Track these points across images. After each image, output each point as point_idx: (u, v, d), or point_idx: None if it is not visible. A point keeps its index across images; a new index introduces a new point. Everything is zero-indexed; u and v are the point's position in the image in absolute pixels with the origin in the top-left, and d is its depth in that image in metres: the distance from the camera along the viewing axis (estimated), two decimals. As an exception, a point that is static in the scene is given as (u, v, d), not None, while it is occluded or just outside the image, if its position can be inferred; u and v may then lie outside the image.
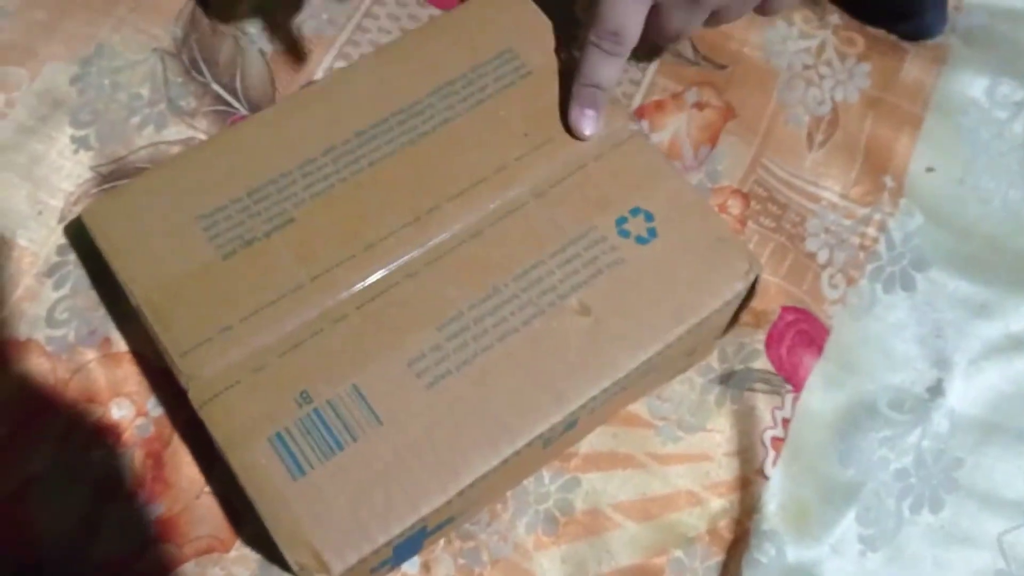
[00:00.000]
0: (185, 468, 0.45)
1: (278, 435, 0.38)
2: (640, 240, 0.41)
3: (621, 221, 0.42)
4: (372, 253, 0.41)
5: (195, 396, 0.38)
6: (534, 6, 0.47)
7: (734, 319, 0.44)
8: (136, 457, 0.45)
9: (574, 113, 0.43)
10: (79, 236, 0.47)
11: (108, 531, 0.44)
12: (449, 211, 0.42)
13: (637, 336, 0.40)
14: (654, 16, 0.43)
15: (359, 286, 0.40)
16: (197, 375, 0.39)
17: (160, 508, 0.44)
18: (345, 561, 0.36)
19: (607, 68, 0.43)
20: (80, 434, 0.45)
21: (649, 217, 0.42)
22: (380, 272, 0.41)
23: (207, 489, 0.45)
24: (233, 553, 0.44)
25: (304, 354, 0.39)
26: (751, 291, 0.41)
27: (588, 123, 0.43)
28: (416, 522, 0.37)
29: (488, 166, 0.43)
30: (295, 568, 0.36)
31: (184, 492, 0.45)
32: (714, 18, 0.45)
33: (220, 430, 0.38)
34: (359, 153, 0.43)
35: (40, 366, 0.46)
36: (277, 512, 0.36)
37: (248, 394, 0.38)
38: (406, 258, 0.41)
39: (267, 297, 0.40)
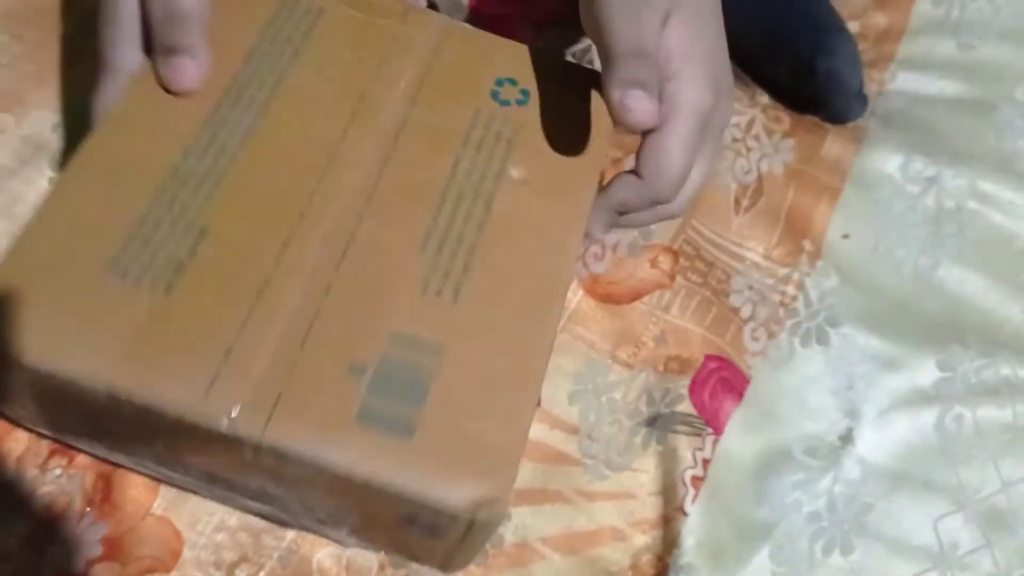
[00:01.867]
0: (132, 490, 0.47)
1: (361, 413, 0.35)
2: (520, 102, 0.44)
3: (495, 95, 0.44)
4: (309, 219, 0.39)
5: (247, 432, 0.34)
6: None
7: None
8: (88, 478, 0.47)
9: (597, 229, 0.44)
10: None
11: (55, 549, 0.46)
12: (348, 152, 0.42)
13: (576, 170, 0.43)
14: None
15: (320, 252, 0.39)
16: (233, 409, 0.34)
17: (106, 528, 0.47)
18: (507, 482, 0.34)
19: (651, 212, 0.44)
20: (38, 456, 0.48)
21: (513, 82, 0.45)
22: (328, 230, 0.39)
23: (153, 511, 0.47)
24: (174, 574, 0.46)
25: (321, 334, 0.36)
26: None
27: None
28: (535, 398, 0.37)
29: (349, 100, 0.43)
30: (478, 517, 0.34)
31: (130, 514, 0.47)
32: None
33: (301, 444, 0.34)
34: (220, 141, 0.40)
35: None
36: (418, 478, 0.34)
37: (300, 397, 0.35)
38: (344, 206, 0.40)
39: (242, 306, 0.36)
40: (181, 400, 0.34)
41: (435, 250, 0.39)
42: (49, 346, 0.34)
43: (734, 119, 0.58)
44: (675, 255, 0.54)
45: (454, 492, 0.34)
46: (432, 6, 0.54)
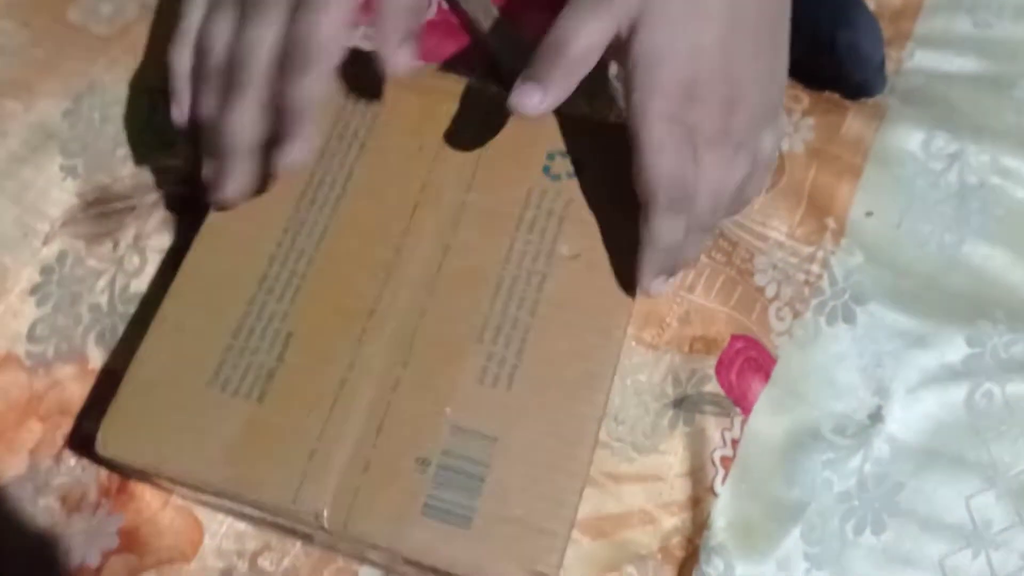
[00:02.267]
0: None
1: (427, 505, 0.39)
2: (570, 175, 0.45)
3: (546, 170, 0.45)
4: (378, 316, 0.42)
5: (334, 526, 0.39)
6: None
7: None
8: (103, 469, 0.46)
9: (648, 280, 0.44)
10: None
11: (72, 541, 0.45)
12: (412, 245, 0.44)
13: (625, 240, 0.44)
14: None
15: (389, 349, 0.41)
16: (318, 509, 0.39)
17: (122, 519, 0.46)
18: (556, 561, 0.38)
19: (677, 225, 0.43)
20: (53, 446, 0.47)
21: (564, 155, 0.46)
22: (396, 327, 0.42)
23: (171, 501, 0.46)
24: (194, 565, 0.45)
25: (391, 429, 0.40)
26: None
27: (664, 286, 0.44)
28: (583, 480, 0.40)
29: (412, 191, 0.45)
30: None
31: (148, 504, 0.46)
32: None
33: (379, 536, 0.39)
34: (299, 246, 0.43)
35: (18, 379, 0.47)
36: (478, 563, 0.38)
37: (375, 492, 0.39)
38: (408, 300, 0.42)
39: (324, 407, 0.40)
40: (275, 500, 0.39)
41: (492, 338, 0.42)
42: (163, 454, 0.40)
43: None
44: (697, 234, 0.53)
45: (509, 573, 0.38)
46: (463, 13, 0.54)
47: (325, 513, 0.38)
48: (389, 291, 0.43)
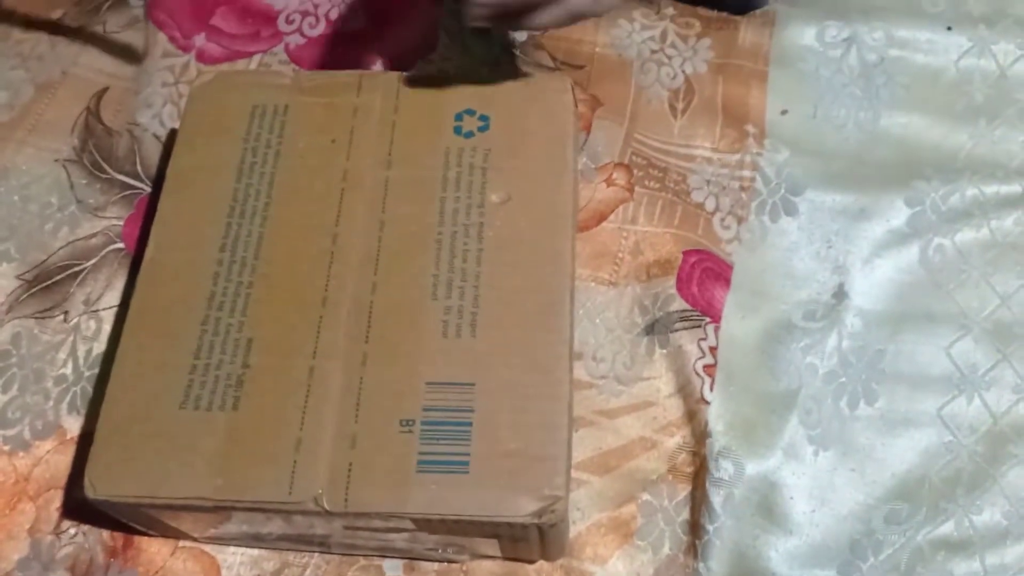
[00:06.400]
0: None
1: (420, 463, 0.39)
2: (482, 129, 0.47)
3: (457, 130, 0.47)
4: (331, 302, 0.43)
5: (334, 506, 0.38)
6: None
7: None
8: (104, 531, 0.46)
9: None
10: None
11: (90, 610, 0.44)
12: (346, 230, 0.44)
13: (550, 175, 0.46)
14: None
15: (348, 329, 0.42)
16: (315, 493, 0.39)
17: (136, 574, 0.45)
18: (562, 482, 0.39)
19: None
20: (49, 522, 0.46)
21: (471, 112, 0.47)
22: (350, 307, 0.42)
23: (181, 544, 0.46)
24: (221, 599, 0.45)
25: (369, 401, 0.40)
26: None
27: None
28: (567, 401, 0.41)
29: (334, 181, 0.46)
30: (545, 520, 0.38)
31: (157, 554, 0.45)
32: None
33: (381, 503, 0.39)
34: (239, 258, 0.44)
35: (1, 465, 0.47)
36: (485, 504, 0.38)
37: (367, 463, 0.39)
38: (357, 281, 0.43)
39: (299, 397, 0.41)
40: (272, 496, 0.39)
41: (445, 294, 0.43)
42: (152, 482, 0.39)
43: (648, 33, 0.59)
44: (627, 168, 0.54)
45: (518, 507, 0.38)
46: None
47: (323, 496, 0.38)
48: (335, 277, 0.43)
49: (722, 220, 0.53)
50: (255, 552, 0.45)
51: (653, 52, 0.59)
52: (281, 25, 0.59)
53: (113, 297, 0.50)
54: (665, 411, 0.49)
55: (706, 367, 0.49)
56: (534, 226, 0.44)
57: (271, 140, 0.47)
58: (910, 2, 0.60)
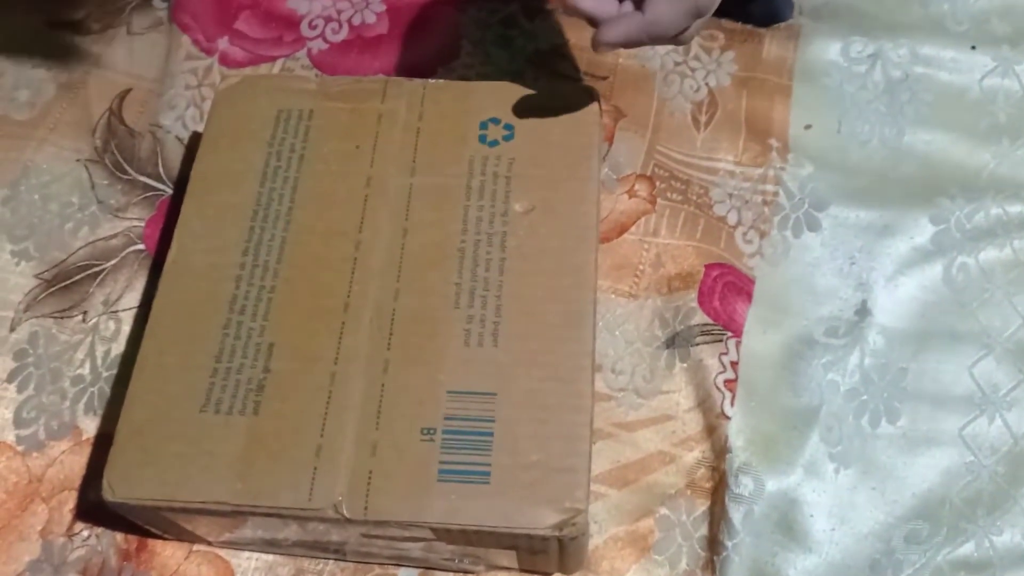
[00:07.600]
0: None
1: (441, 471, 0.39)
2: (507, 138, 0.47)
3: (482, 138, 0.47)
4: (353, 308, 0.42)
5: (354, 513, 0.38)
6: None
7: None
8: (118, 534, 0.45)
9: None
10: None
11: (103, 613, 0.44)
12: (370, 236, 0.44)
13: (574, 184, 0.46)
14: None
15: (370, 336, 0.42)
16: (335, 500, 0.38)
17: (151, 577, 0.45)
18: (583, 495, 0.38)
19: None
20: (61, 524, 0.46)
21: (496, 121, 0.47)
22: (373, 314, 0.42)
23: (195, 548, 0.45)
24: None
25: (390, 409, 0.40)
26: None
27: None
28: (589, 413, 0.40)
29: (358, 187, 0.46)
30: (565, 533, 0.38)
31: (172, 557, 0.45)
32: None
33: (401, 511, 0.38)
34: (261, 262, 0.44)
35: (13, 465, 0.47)
36: (505, 515, 0.38)
37: (387, 471, 0.39)
38: (379, 287, 0.43)
39: (320, 403, 0.40)
40: (291, 503, 0.38)
41: (467, 303, 0.43)
42: (171, 485, 0.39)
43: (669, 48, 0.59)
44: (650, 180, 0.54)
45: (539, 519, 0.38)
46: None
47: (343, 503, 0.38)
48: (358, 283, 0.43)
49: (744, 234, 0.53)
50: (270, 558, 0.45)
51: (676, 64, 0.58)
52: (304, 30, 0.59)
53: (133, 298, 0.50)
54: (684, 425, 0.48)
55: (727, 382, 0.48)
56: (557, 236, 0.44)
57: (295, 145, 0.47)
58: (935, 20, 0.59)
